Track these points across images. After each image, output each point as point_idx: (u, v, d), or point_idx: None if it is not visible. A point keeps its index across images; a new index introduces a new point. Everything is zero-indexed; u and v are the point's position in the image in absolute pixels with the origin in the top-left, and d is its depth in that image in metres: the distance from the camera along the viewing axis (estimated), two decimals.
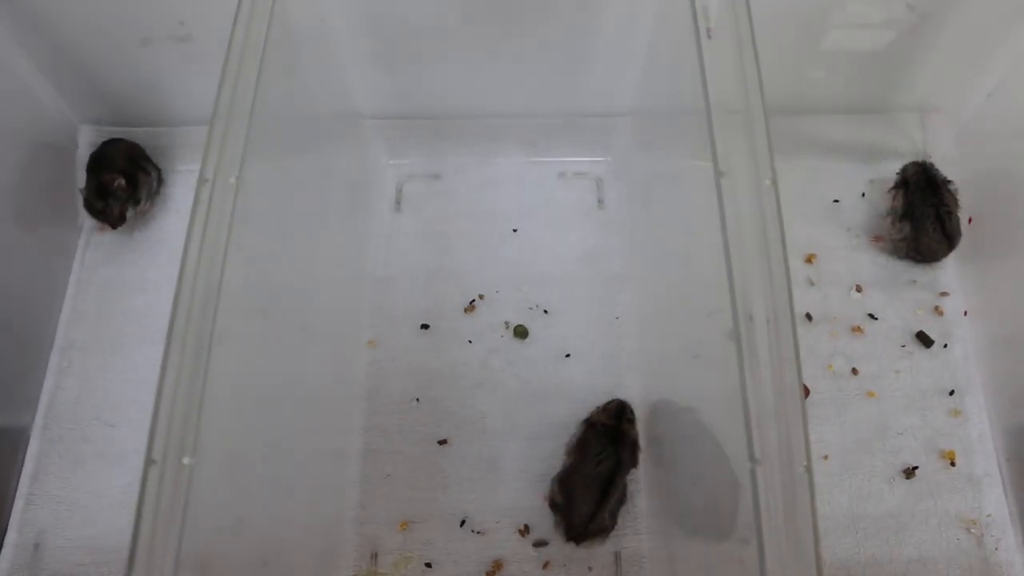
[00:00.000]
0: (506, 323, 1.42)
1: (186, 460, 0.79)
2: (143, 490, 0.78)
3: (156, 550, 0.77)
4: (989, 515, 1.29)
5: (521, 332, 1.40)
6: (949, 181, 1.44)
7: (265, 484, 1.05)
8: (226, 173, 0.90)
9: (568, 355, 1.39)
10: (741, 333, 0.83)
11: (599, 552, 1.26)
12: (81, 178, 1.49)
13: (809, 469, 0.78)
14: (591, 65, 1.40)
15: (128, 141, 1.51)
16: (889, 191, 1.47)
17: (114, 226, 1.45)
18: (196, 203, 0.88)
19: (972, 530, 1.28)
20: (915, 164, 1.46)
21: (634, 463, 1.26)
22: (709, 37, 0.97)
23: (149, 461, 0.79)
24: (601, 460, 1.23)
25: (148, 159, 1.52)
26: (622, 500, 1.25)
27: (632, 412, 1.29)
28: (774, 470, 0.78)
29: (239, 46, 0.96)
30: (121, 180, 1.43)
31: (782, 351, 0.82)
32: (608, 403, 1.30)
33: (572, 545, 1.23)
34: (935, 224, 1.41)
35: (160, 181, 1.53)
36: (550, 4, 1.28)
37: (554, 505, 1.25)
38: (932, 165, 1.46)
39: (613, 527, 1.24)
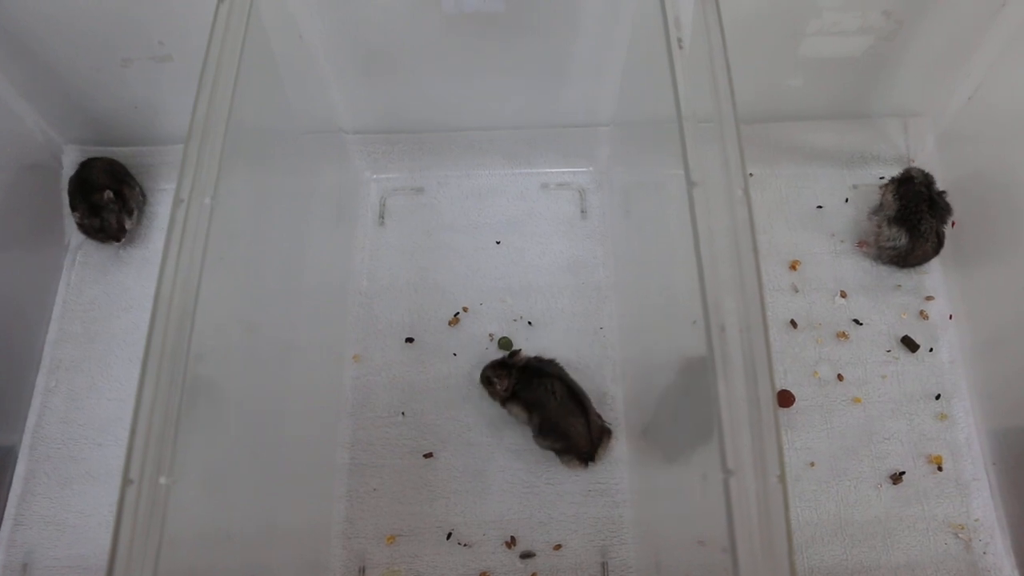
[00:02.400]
0: (491, 335, 1.42)
1: (163, 480, 0.80)
2: (120, 510, 0.78)
3: (133, 570, 0.77)
4: (977, 519, 1.29)
5: (506, 344, 1.40)
6: (943, 192, 1.43)
7: (251, 500, 1.05)
8: (201, 193, 0.90)
9: None
10: (714, 343, 0.83)
11: (586, 562, 1.26)
12: (66, 200, 1.50)
13: (783, 479, 0.78)
14: (571, 76, 1.41)
15: (104, 158, 1.52)
16: (883, 186, 1.46)
17: (117, 239, 1.47)
18: (171, 224, 0.89)
19: (960, 535, 1.28)
20: (921, 172, 1.44)
21: (560, 369, 1.32)
22: (681, 48, 0.97)
23: (126, 481, 0.79)
24: (552, 390, 1.28)
25: (128, 173, 1.53)
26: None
27: (503, 356, 1.34)
28: (748, 480, 0.78)
29: (213, 64, 0.96)
30: (109, 192, 1.45)
31: (755, 361, 0.82)
32: (488, 378, 1.33)
33: (585, 467, 1.30)
34: (934, 243, 1.41)
35: (143, 197, 1.53)
36: (529, 17, 1.29)
37: (558, 451, 1.29)
38: (933, 179, 1.44)
39: (608, 425, 1.32)
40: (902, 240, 1.40)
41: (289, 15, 1.19)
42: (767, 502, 0.77)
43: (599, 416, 1.31)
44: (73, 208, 1.48)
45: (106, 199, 1.44)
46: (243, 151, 0.97)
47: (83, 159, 1.52)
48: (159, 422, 0.81)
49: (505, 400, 1.32)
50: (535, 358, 1.33)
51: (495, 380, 1.31)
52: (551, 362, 1.32)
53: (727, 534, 0.77)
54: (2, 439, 1.37)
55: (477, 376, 1.37)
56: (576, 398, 1.28)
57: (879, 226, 1.43)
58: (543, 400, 1.28)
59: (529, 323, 1.43)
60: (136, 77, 1.38)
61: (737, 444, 0.79)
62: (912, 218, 1.40)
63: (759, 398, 0.81)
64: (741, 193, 0.89)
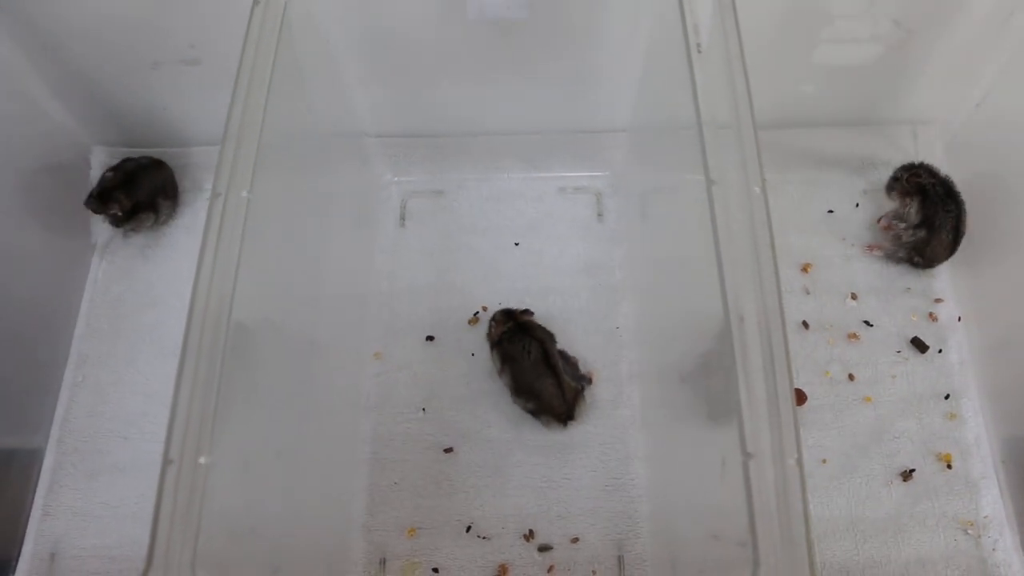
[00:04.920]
0: None
1: (202, 460, 0.83)
2: (161, 489, 0.81)
3: (174, 547, 0.80)
4: (986, 516, 1.31)
5: None
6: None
7: (275, 493, 1.07)
8: (238, 188, 0.94)
9: None
10: (733, 334, 0.86)
11: (602, 555, 1.29)
12: None
13: (800, 462, 0.81)
14: (589, 83, 1.44)
15: (167, 169, 1.56)
16: (894, 193, 1.47)
17: (117, 225, 1.50)
18: (209, 216, 0.92)
19: (969, 531, 1.30)
20: (927, 170, 1.46)
21: (550, 336, 1.37)
22: (699, 52, 1.01)
23: (166, 461, 0.82)
24: (528, 350, 1.34)
25: (175, 186, 1.56)
26: (569, 362, 1.37)
27: (517, 308, 1.40)
28: (766, 464, 0.81)
29: (248, 68, 1.00)
30: (117, 211, 1.48)
31: (773, 351, 0.85)
32: (493, 317, 1.40)
33: (563, 427, 1.34)
34: (950, 233, 1.43)
35: (175, 206, 1.57)
36: (548, 24, 1.32)
37: (532, 412, 1.35)
38: (937, 171, 1.47)
39: (582, 386, 1.36)
40: (920, 235, 1.43)
41: (317, 20, 1.23)
42: (785, 485, 0.80)
43: (573, 380, 1.35)
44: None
45: (119, 208, 1.47)
46: (273, 151, 1.00)
47: (120, 159, 1.55)
48: (198, 403, 0.84)
49: (493, 345, 1.39)
50: (539, 325, 1.38)
51: (493, 323, 1.39)
52: (543, 328, 1.37)
53: (747, 515, 0.80)
54: (29, 440, 1.40)
55: (496, 373, 1.40)
56: (549, 363, 1.33)
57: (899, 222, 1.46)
58: (517, 357, 1.34)
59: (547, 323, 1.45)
60: (165, 80, 1.42)
61: (756, 429, 0.82)
62: (933, 219, 1.43)
63: (776, 386, 0.84)
64: (758, 190, 0.92)
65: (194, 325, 0.87)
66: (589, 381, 1.39)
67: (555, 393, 1.32)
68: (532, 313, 1.40)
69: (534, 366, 1.33)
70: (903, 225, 1.46)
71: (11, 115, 1.39)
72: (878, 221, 1.50)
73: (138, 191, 1.49)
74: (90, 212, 1.51)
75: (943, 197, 1.43)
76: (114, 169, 1.51)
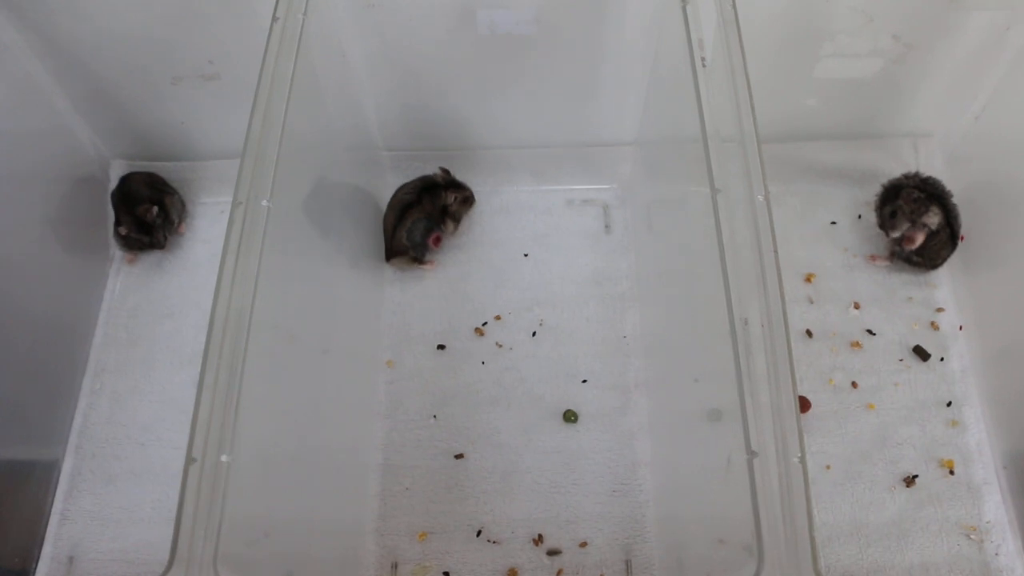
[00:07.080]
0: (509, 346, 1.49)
1: (224, 458, 0.85)
2: (184, 486, 0.83)
3: (196, 544, 0.82)
4: (988, 521, 1.33)
5: (569, 416, 1.43)
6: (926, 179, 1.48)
7: (290, 497, 1.09)
8: (258, 196, 0.97)
9: (585, 381, 1.45)
10: (737, 336, 0.89)
11: (610, 559, 1.31)
12: (110, 213, 1.57)
13: (803, 460, 0.83)
14: (596, 97, 1.47)
15: (143, 172, 1.59)
16: (916, 202, 1.44)
17: (162, 247, 1.55)
18: (231, 223, 0.95)
19: (972, 536, 1.32)
20: (930, 179, 1.47)
21: (438, 209, 1.52)
22: (704, 66, 1.04)
23: (189, 459, 0.85)
24: (408, 193, 1.53)
25: (165, 183, 1.60)
26: (424, 234, 1.51)
27: (465, 190, 1.55)
28: (770, 462, 0.83)
29: (268, 81, 1.03)
30: (154, 208, 1.51)
31: (776, 352, 0.88)
32: (445, 168, 1.57)
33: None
34: (945, 229, 1.45)
35: (182, 204, 1.61)
36: (558, 40, 1.36)
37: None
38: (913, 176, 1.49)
39: (419, 256, 1.52)
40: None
41: (333, 35, 1.27)
42: (789, 481, 0.83)
43: (411, 243, 1.50)
44: (119, 222, 1.54)
45: (152, 216, 1.51)
46: (290, 163, 1.03)
47: (123, 174, 1.60)
48: (220, 404, 0.87)
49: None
50: (445, 206, 1.54)
51: (440, 169, 1.57)
52: (447, 208, 1.53)
53: (751, 511, 0.82)
54: (47, 453, 1.42)
55: (505, 381, 1.44)
56: (403, 212, 1.51)
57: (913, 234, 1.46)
58: (403, 190, 1.54)
59: (555, 331, 1.49)
60: (184, 94, 1.46)
61: (760, 429, 0.85)
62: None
63: (779, 387, 0.87)
64: (761, 198, 0.95)
65: (216, 328, 0.90)
66: (419, 261, 1.53)
67: (387, 229, 1.52)
68: (463, 190, 1.54)
69: (395, 204, 1.52)
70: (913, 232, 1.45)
71: (35, 130, 1.43)
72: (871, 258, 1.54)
73: (141, 196, 1.54)
74: (111, 225, 1.56)
75: (924, 201, 1.44)
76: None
